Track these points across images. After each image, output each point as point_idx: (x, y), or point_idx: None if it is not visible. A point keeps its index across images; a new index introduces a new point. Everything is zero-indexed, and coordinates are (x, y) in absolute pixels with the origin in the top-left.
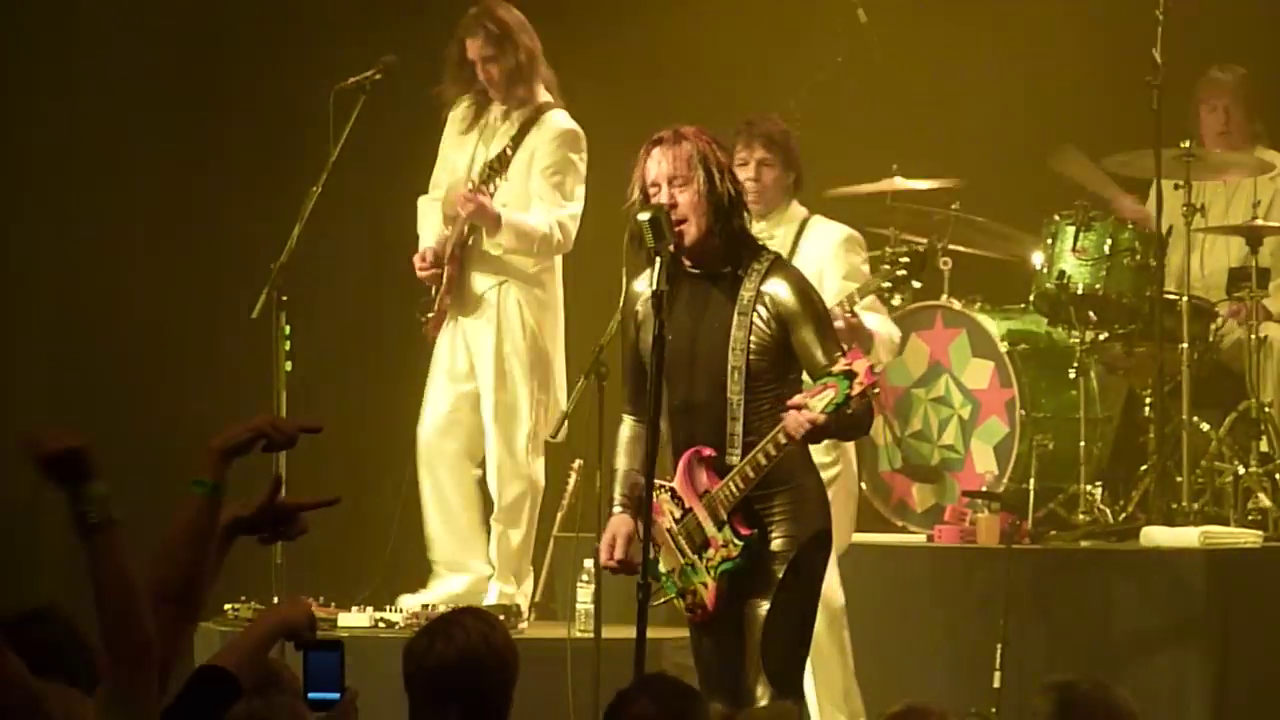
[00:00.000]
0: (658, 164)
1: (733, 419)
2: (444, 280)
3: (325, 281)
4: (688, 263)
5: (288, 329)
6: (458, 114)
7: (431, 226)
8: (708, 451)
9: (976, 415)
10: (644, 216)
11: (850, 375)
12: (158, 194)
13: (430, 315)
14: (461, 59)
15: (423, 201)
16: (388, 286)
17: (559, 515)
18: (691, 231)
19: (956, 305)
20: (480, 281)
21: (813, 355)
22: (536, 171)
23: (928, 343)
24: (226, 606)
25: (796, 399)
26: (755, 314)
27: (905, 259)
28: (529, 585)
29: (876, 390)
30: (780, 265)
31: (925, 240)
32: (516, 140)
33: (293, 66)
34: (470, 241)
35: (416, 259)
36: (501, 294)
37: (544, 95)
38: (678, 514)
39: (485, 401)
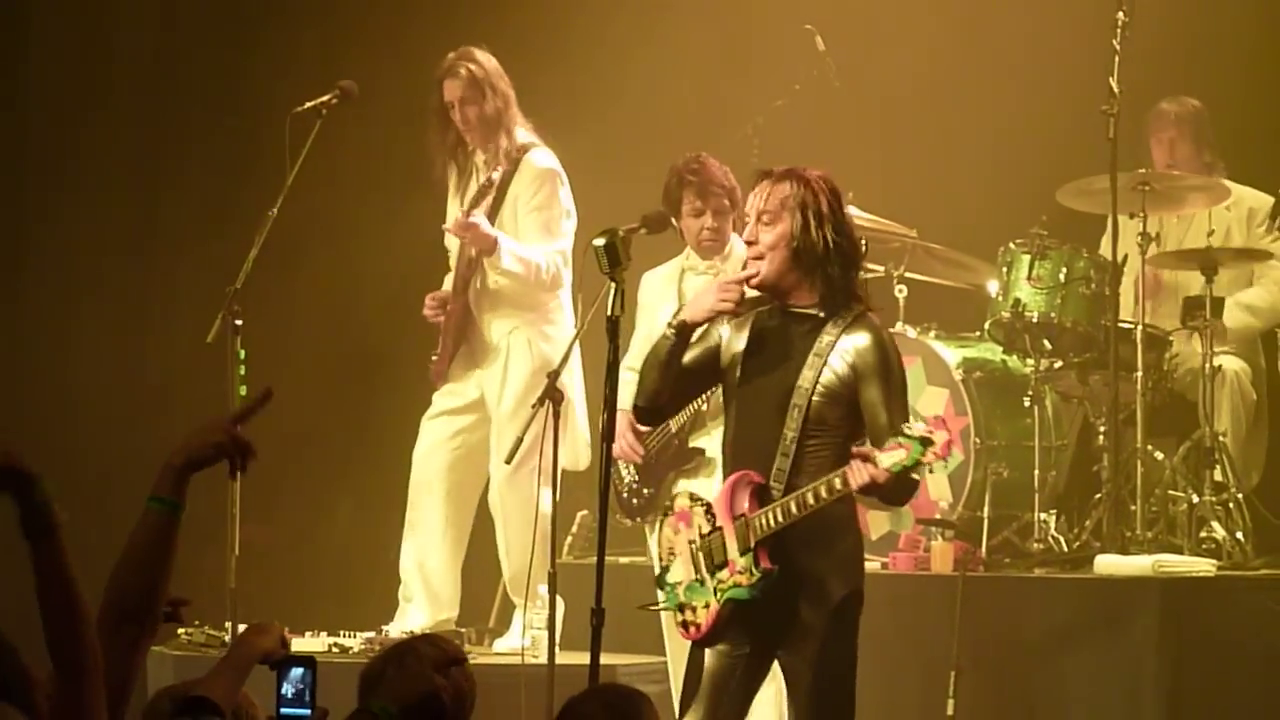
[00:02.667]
0: (755, 197)
1: (783, 455)
2: (445, 321)
3: (284, 306)
4: (789, 301)
5: (243, 353)
6: (450, 181)
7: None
8: (757, 477)
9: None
10: (598, 242)
11: (927, 443)
12: (113, 216)
13: (435, 357)
14: (440, 105)
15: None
16: (351, 312)
17: (565, 545)
18: (765, 270)
19: (911, 333)
20: (494, 328)
21: (876, 415)
22: (522, 215)
23: None
24: (180, 631)
25: (865, 449)
26: (829, 360)
27: None
28: (541, 611)
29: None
30: (866, 320)
31: (882, 268)
32: (502, 185)
33: (250, 91)
34: (480, 284)
35: (428, 299)
36: (513, 340)
37: (524, 137)
38: (706, 529)
39: (494, 436)
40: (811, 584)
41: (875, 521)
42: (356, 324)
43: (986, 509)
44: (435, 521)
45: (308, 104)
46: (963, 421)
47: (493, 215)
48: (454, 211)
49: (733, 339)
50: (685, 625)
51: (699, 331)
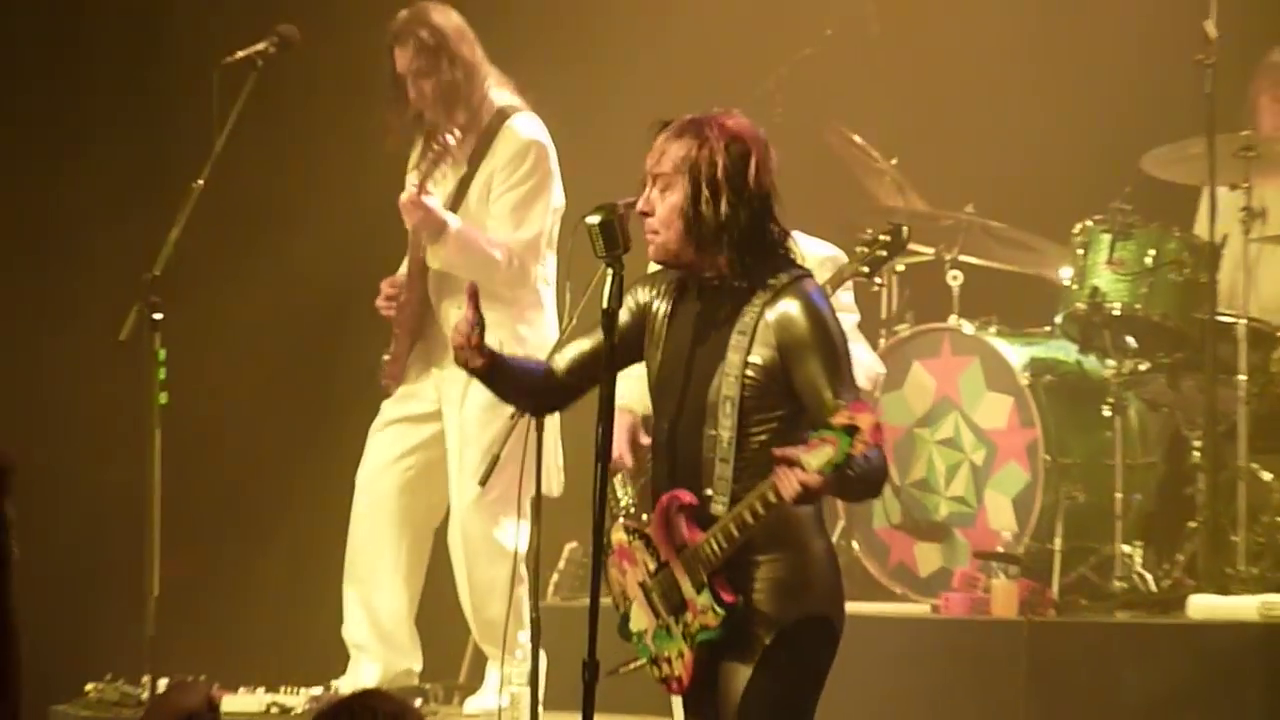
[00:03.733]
0: (652, 155)
1: (721, 460)
2: (399, 312)
3: (213, 297)
4: (702, 274)
5: (163, 354)
6: (413, 156)
7: None
8: (687, 498)
9: (992, 461)
10: (592, 220)
11: (852, 430)
12: (2, 191)
13: (388, 356)
14: (394, 74)
15: None
16: (293, 304)
17: (550, 584)
18: (658, 247)
19: (968, 328)
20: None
21: (819, 395)
22: (495, 195)
23: (933, 374)
24: (89, 686)
25: (788, 451)
26: (756, 337)
27: (885, 235)
28: (521, 664)
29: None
30: (796, 285)
31: (932, 250)
32: (474, 160)
33: (169, 37)
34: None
35: (383, 286)
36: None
37: (503, 99)
38: (652, 566)
39: (454, 453)
40: (759, 607)
41: (924, 556)
42: (300, 319)
43: (1058, 540)
44: (383, 555)
45: (239, 53)
46: (1029, 434)
47: (460, 196)
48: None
49: (659, 308)
50: (665, 681)
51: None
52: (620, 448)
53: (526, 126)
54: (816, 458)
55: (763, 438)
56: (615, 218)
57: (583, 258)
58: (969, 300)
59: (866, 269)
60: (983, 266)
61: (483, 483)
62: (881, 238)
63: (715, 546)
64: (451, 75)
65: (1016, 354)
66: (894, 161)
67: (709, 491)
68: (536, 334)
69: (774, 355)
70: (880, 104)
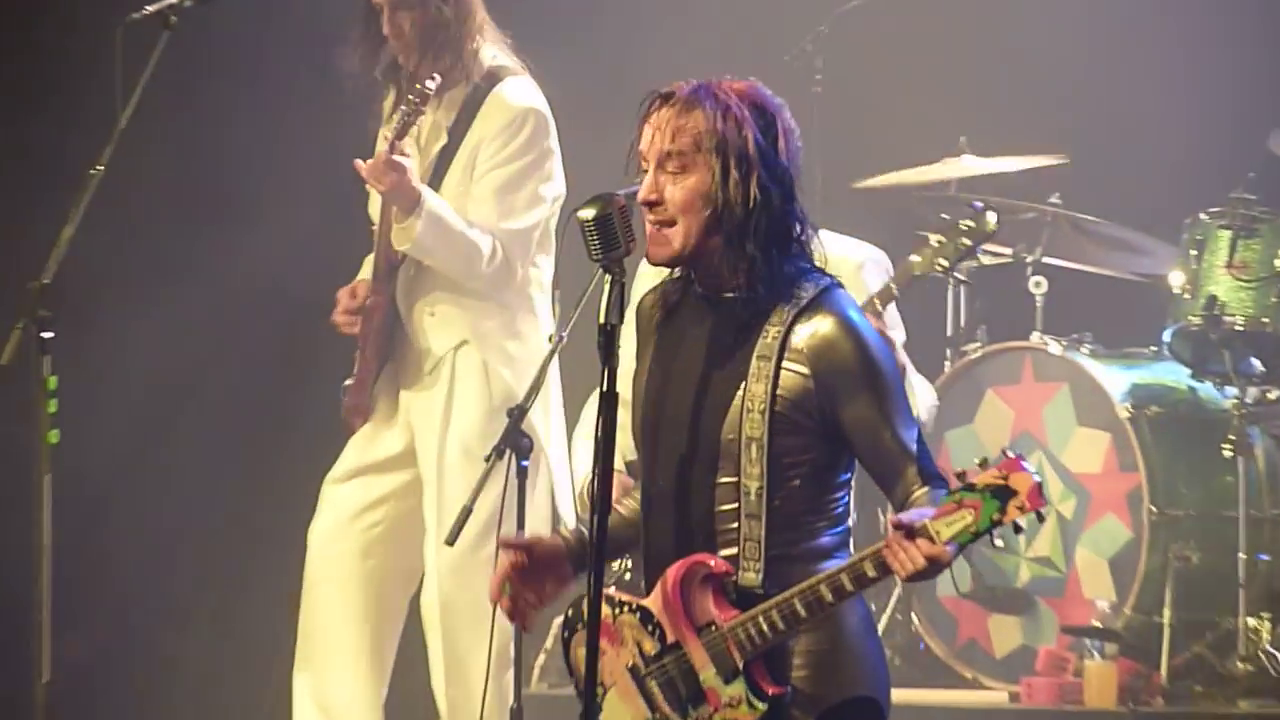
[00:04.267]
0: (654, 133)
1: (749, 517)
2: (362, 327)
3: (115, 311)
4: (715, 283)
5: (53, 382)
6: (384, 110)
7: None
8: (719, 565)
9: (1084, 513)
10: (586, 214)
11: (1004, 494)
12: None
13: (350, 382)
14: (367, 8)
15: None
16: (221, 319)
17: (535, 668)
18: (676, 242)
19: (1055, 348)
20: (433, 340)
21: (876, 438)
22: (480, 172)
23: (1012, 404)
24: None
25: (909, 515)
26: (782, 363)
27: (968, 221)
28: None
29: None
30: (827, 296)
31: (1010, 250)
32: (457, 130)
33: None
34: (414, 271)
35: (341, 295)
36: (460, 361)
37: (495, 59)
38: (652, 647)
39: (431, 501)
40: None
41: (1001, 632)
42: (230, 337)
43: (1167, 612)
44: (344, 634)
45: (148, 8)
46: (1131, 480)
47: (438, 174)
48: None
49: (641, 341)
50: None
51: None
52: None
53: (521, 91)
54: (950, 526)
55: (795, 484)
56: (613, 211)
57: (576, 261)
58: (1055, 313)
59: (944, 263)
60: (1072, 270)
61: (450, 542)
62: (963, 224)
63: (764, 628)
64: (439, 11)
65: (1115, 380)
66: (1056, 198)
67: (730, 552)
68: (526, 350)
69: (807, 386)
70: (946, 72)
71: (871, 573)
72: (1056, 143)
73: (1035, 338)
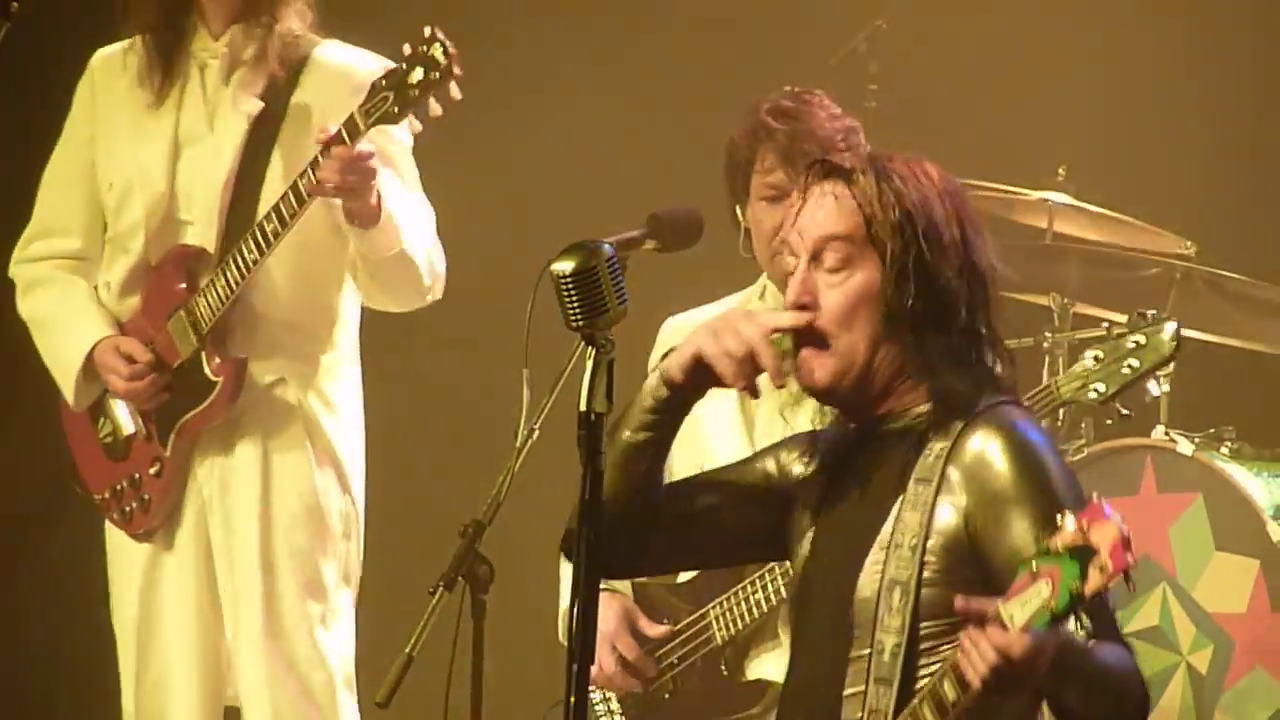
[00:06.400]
0: (810, 216)
1: (879, 682)
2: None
3: None
4: (876, 408)
5: None
6: (109, 77)
7: (86, 310)
8: None
9: (1225, 666)
10: (563, 268)
11: (1084, 553)
12: None
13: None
14: None
15: (40, 271)
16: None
17: None
18: (830, 362)
19: (1185, 447)
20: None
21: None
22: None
23: (1127, 521)
24: None
25: (974, 603)
26: (940, 493)
27: (1137, 339)
28: None
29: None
30: (993, 414)
31: (1125, 318)
32: (275, 113)
33: None
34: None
35: (114, 361)
36: (276, 400)
37: (296, 24)
38: None
39: (246, 599)
40: None
41: None
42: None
43: None
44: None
45: None
46: None
47: (258, 151)
48: (140, 131)
49: (807, 473)
50: None
51: (737, 442)
52: (602, 653)
53: (352, 55)
54: (1025, 606)
55: (945, 650)
56: (600, 265)
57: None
58: (1185, 400)
59: (1101, 390)
60: (1209, 344)
61: (383, 703)
62: (1131, 340)
63: None
64: None
65: (1266, 489)
66: (1188, 246)
67: None
68: (347, 393)
69: (965, 517)
70: (1038, 84)
71: (950, 694)
72: (1184, 170)
73: (1158, 434)
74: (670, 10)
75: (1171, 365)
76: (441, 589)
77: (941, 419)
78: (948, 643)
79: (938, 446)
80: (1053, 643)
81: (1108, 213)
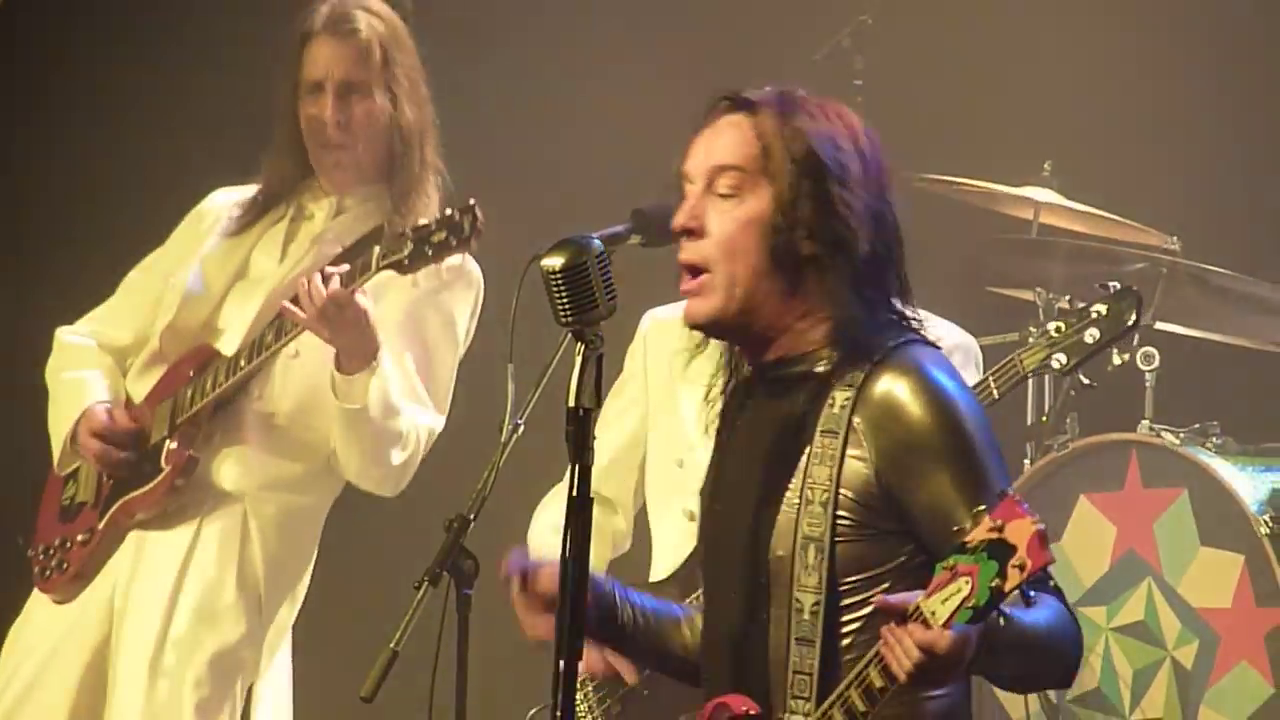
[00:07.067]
0: (708, 145)
1: (800, 642)
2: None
3: None
4: (767, 350)
5: None
6: (216, 215)
7: (95, 383)
8: (744, 708)
9: (1210, 661)
10: (552, 263)
11: (1002, 550)
12: None
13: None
14: (295, 83)
15: (75, 342)
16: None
17: None
18: (718, 293)
19: (1172, 442)
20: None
21: (949, 520)
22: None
23: (1112, 516)
24: None
25: (896, 597)
26: (849, 445)
27: (1099, 309)
28: None
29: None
30: (901, 355)
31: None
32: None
33: None
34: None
35: (96, 422)
36: (220, 510)
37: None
38: None
39: (128, 687)
40: None
41: None
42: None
43: None
44: None
45: None
46: (1271, 618)
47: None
48: (232, 260)
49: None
50: None
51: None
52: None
53: (474, 266)
54: (946, 602)
55: (866, 611)
56: (589, 260)
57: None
58: (1170, 395)
59: (1063, 360)
60: (1194, 339)
61: (369, 696)
62: (1094, 309)
63: None
64: (402, 105)
65: (1250, 485)
66: (1173, 242)
67: (776, 692)
68: (296, 549)
69: (875, 470)
70: (1026, 78)
71: (877, 681)
72: (1168, 164)
73: (1144, 428)
74: (652, 7)
75: (1136, 337)
76: (426, 584)
77: (844, 362)
78: (867, 598)
79: (842, 396)
80: (977, 634)
81: (1092, 209)
